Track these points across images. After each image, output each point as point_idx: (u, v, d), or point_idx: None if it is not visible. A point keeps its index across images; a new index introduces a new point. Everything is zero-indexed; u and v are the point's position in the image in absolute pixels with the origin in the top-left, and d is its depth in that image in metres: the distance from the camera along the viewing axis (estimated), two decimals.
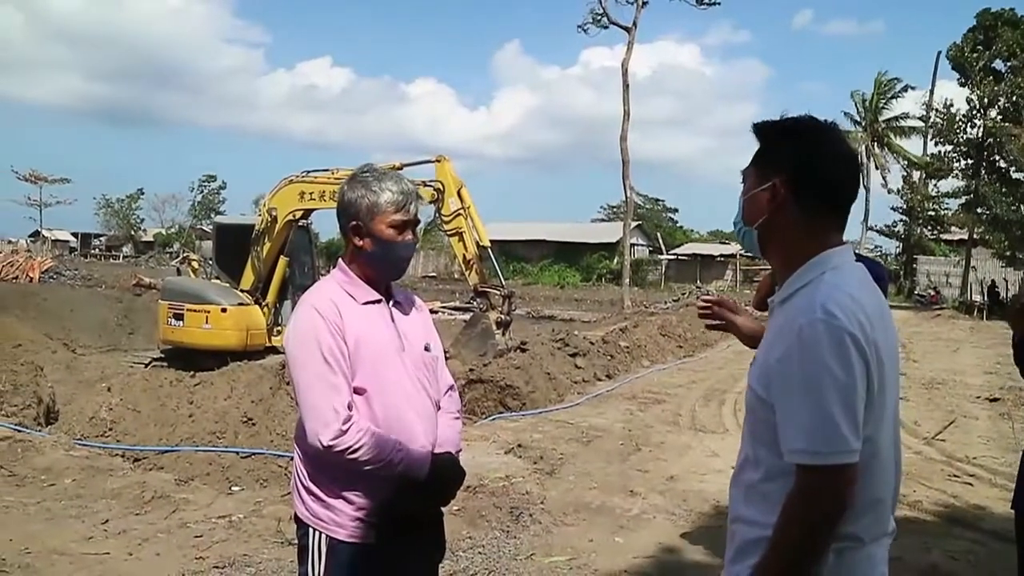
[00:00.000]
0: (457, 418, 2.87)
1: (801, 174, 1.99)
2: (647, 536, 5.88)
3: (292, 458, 2.79)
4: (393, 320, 2.69)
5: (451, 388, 2.89)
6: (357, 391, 2.53)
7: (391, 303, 2.72)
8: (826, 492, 1.81)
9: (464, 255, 13.54)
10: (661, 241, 63.61)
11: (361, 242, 2.63)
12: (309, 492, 2.59)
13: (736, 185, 2.19)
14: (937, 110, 38.86)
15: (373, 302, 2.65)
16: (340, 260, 2.72)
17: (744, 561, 1.97)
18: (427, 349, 2.77)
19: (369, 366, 2.55)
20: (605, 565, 5.28)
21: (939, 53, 40.96)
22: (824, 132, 2.05)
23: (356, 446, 2.44)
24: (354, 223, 2.62)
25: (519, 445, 8.26)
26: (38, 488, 6.28)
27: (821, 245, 2.01)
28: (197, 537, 5.50)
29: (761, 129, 2.10)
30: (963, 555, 5.60)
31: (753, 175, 2.09)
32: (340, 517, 2.53)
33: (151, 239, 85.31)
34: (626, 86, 35.19)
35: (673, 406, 11.13)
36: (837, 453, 1.79)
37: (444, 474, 2.64)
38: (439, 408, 2.77)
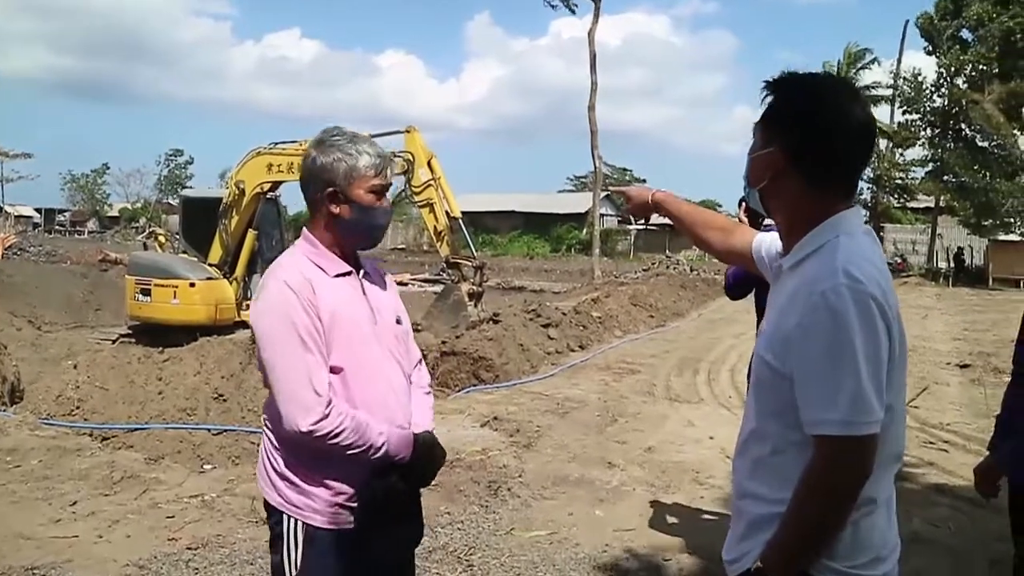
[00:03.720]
0: (429, 393, 2.78)
1: (801, 143, 1.90)
2: (627, 508, 5.85)
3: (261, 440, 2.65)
4: (365, 293, 2.55)
5: (420, 362, 2.79)
6: (333, 370, 2.39)
7: (361, 275, 2.58)
8: (852, 463, 1.77)
9: (435, 226, 13.46)
10: None
11: (338, 209, 2.47)
12: (283, 478, 2.46)
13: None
14: (905, 78, 39.05)
15: (344, 274, 2.52)
16: (304, 230, 2.57)
17: (755, 537, 1.91)
18: (398, 322, 2.66)
19: (345, 343, 2.42)
20: (586, 539, 5.23)
21: (907, 22, 40.93)
22: (835, 96, 1.93)
23: (338, 430, 2.32)
24: (331, 189, 2.46)
25: (495, 418, 8.21)
26: (3, 470, 6.13)
27: (826, 211, 1.92)
28: (169, 518, 5.40)
29: (775, 86, 1.98)
30: (943, 522, 5.63)
31: (759, 134, 2.00)
32: (318, 503, 2.42)
33: (116, 214, 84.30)
34: (593, 56, 35.05)
35: (647, 376, 11.15)
36: (866, 423, 1.74)
37: (427, 454, 2.55)
38: (411, 383, 2.68)
